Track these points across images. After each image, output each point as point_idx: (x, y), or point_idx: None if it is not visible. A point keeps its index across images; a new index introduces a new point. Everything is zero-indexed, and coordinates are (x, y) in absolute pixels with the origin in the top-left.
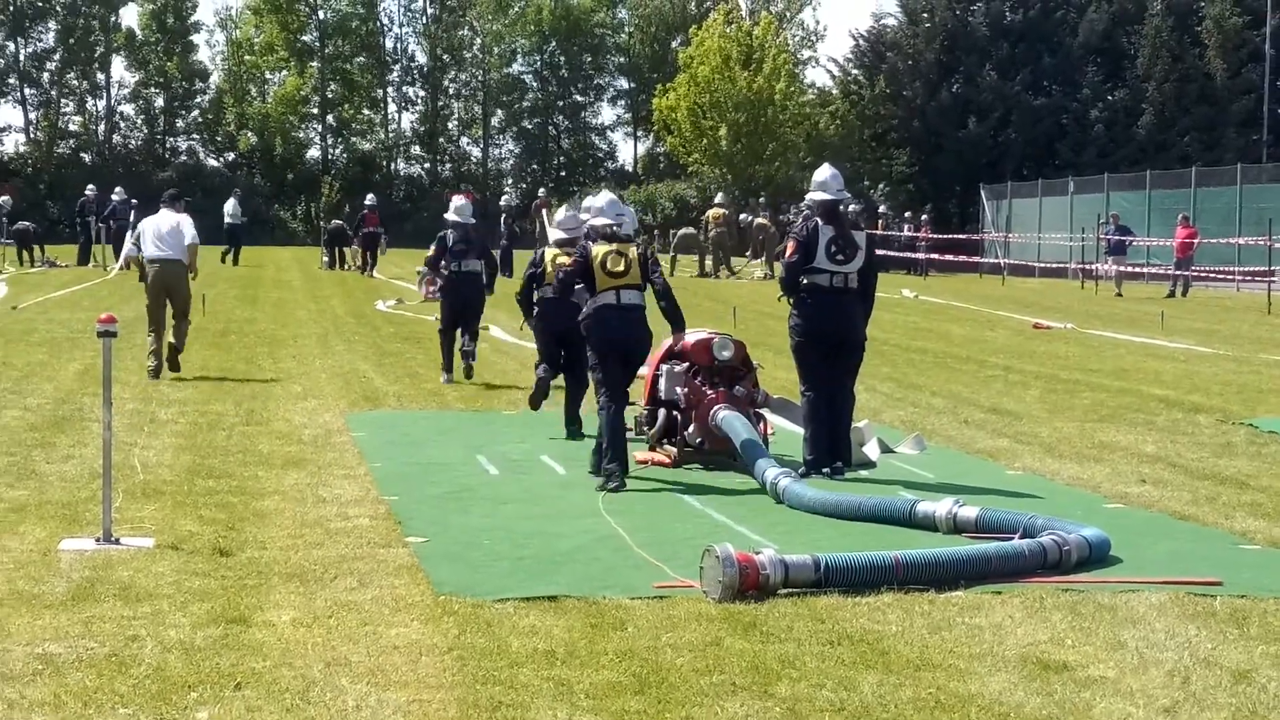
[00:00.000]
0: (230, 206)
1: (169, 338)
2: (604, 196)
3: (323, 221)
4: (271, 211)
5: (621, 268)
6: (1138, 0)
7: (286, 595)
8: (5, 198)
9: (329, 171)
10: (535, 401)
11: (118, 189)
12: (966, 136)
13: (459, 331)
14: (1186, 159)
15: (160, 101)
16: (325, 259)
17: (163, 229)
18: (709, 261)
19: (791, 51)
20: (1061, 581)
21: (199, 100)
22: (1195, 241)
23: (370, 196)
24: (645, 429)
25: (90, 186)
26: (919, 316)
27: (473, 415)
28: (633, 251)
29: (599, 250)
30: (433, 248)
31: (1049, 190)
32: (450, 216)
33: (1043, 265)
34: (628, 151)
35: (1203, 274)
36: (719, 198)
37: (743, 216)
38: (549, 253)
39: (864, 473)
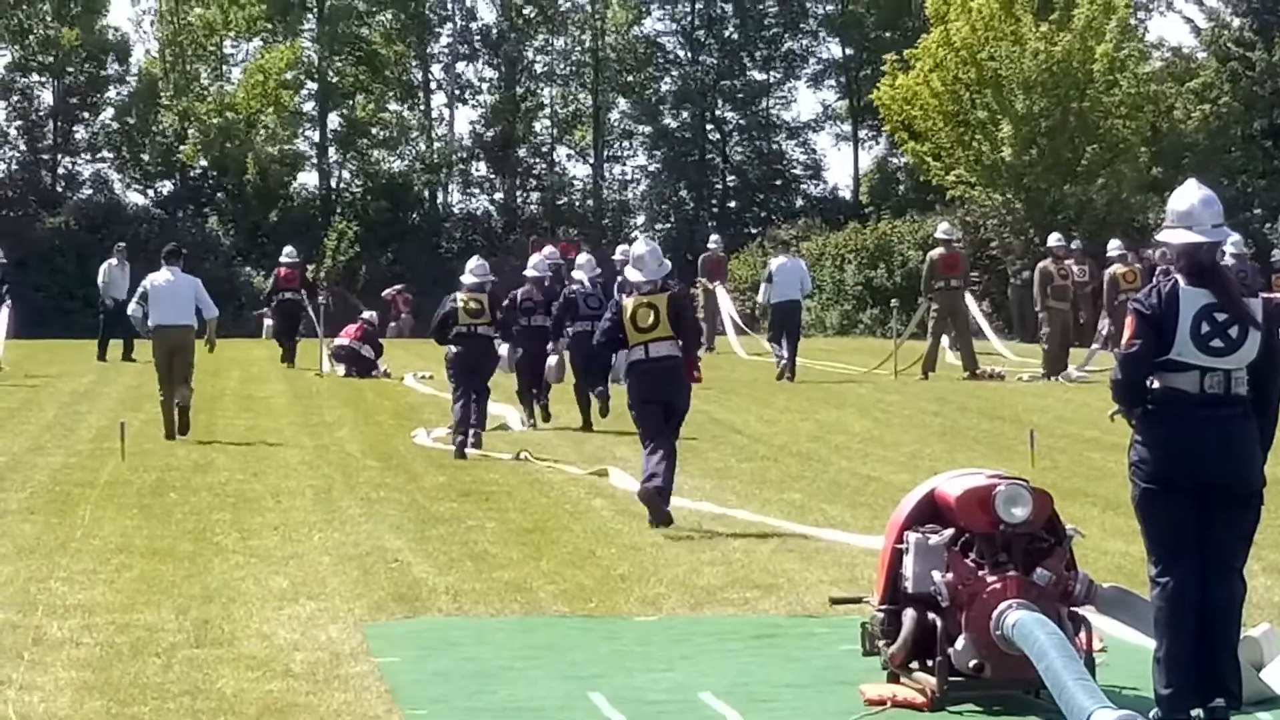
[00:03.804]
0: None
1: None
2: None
3: (275, 297)
4: (240, 279)
5: (476, 306)
6: None
7: None
8: None
9: (333, 210)
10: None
11: None
12: None
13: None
14: None
15: (48, 97)
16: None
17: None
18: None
19: None
20: None
21: (114, 94)
22: None
23: (289, 250)
24: (881, 644)
25: None
26: None
27: (581, 624)
28: (483, 300)
29: (462, 297)
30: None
31: None
32: (466, 279)
33: None
34: (843, 165)
35: None
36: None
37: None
38: (461, 296)
39: (1265, 715)
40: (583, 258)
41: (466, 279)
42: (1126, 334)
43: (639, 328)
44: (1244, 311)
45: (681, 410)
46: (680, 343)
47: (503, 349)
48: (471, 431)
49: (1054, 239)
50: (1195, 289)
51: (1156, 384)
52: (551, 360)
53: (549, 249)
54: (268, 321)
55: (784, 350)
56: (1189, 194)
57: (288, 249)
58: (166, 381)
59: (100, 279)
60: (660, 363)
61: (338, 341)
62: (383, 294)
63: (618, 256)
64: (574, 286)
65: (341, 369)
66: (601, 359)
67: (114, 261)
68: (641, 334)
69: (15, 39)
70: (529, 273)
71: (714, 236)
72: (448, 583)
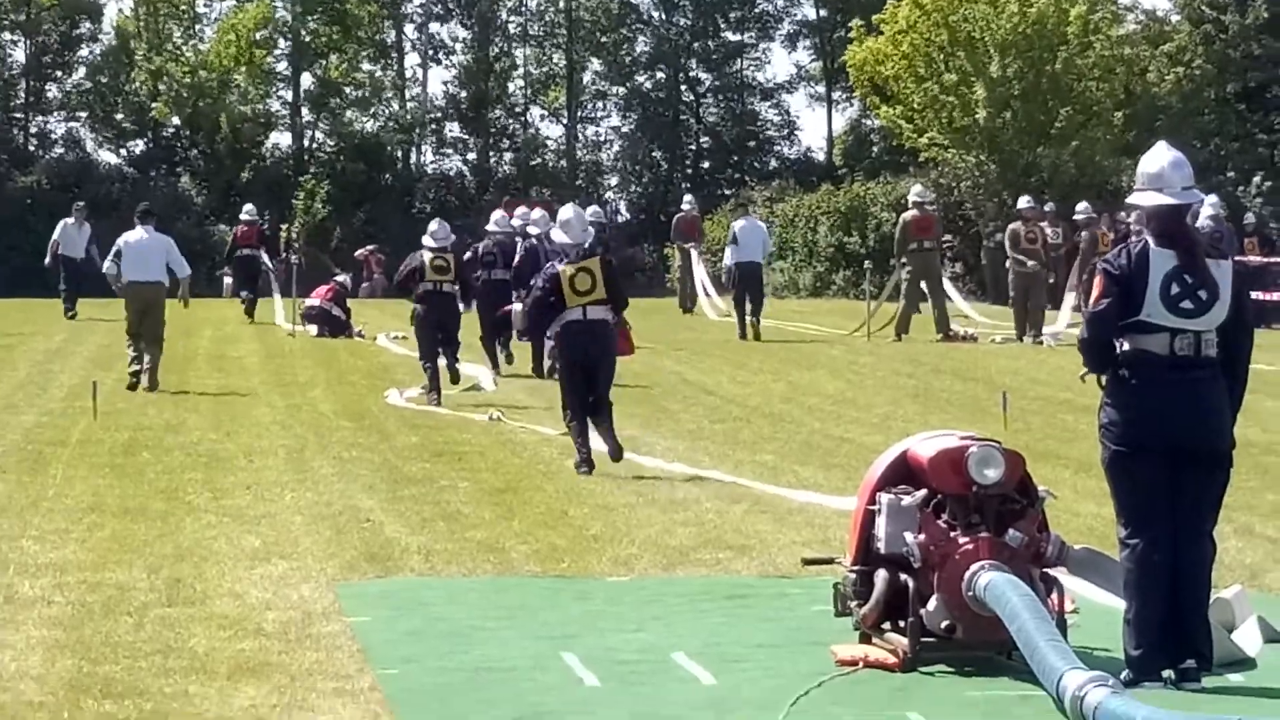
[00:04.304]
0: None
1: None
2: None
3: (233, 254)
4: (213, 238)
5: (444, 264)
6: None
7: None
8: None
9: (306, 170)
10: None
11: None
12: None
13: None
14: None
15: (21, 55)
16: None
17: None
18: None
19: None
20: None
21: (87, 53)
22: None
23: (249, 208)
24: (854, 605)
25: None
26: None
27: (553, 584)
28: (454, 261)
29: (429, 256)
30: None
31: None
32: (429, 241)
33: None
34: (816, 127)
35: None
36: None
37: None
38: (428, 256)
39: (1236, 676)
40: (536, 213)
41: (428, 241)
42: (1095, 293)
43: (577, 291)
44: (1208, 275)
45: (608, 370)
46: (613, 306)
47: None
48: (446, 367)
49: (1024, 201)
50: (1165, 250)
51: (1126, 345)
52: (517, 307)
53: (522, 209)
54: (227, 280)
55: (747, 311)
56: (1159, 156)
57: (248, 207)
58: (135, 334)
59: (55, 235)
60: (593, 325)
61: (309, 302)
62: (355, 254)
63: (589, 218)
64: (532, 241)
65: (313, 329)
66: (538, 323)
67: (70, 220)
68: (580, 297)
69: None
70: (490, 228)
71: (688, 197)
72: (420, 542)
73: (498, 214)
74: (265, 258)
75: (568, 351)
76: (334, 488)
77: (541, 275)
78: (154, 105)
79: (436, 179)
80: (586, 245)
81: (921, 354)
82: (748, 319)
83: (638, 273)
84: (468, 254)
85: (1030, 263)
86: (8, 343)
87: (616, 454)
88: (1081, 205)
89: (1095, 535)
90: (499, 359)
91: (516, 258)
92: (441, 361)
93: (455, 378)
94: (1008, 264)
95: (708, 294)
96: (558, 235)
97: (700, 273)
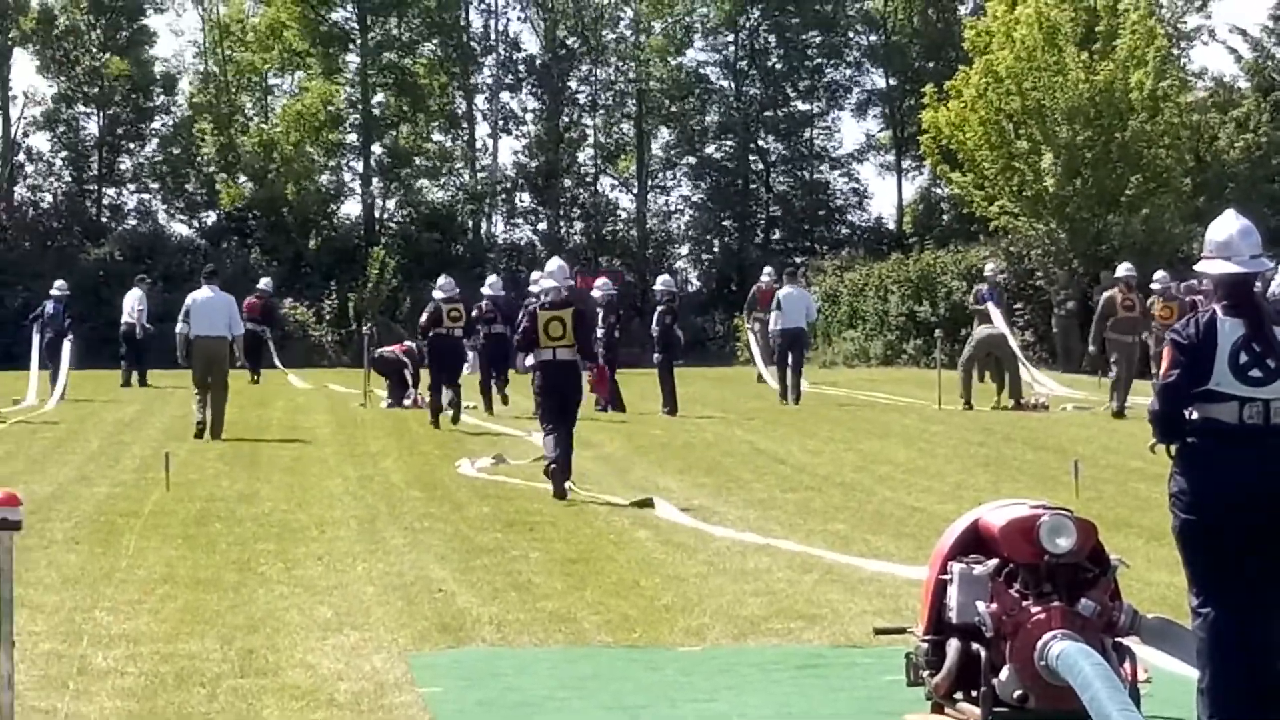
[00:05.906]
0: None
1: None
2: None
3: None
4: (283, 311)
5: (457, 314)
6: None
7: None
8: None
9: (377, 241)
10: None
11: (59, 283)
12: None
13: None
14: None
15: (94, 127)
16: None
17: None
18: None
19: (1165, 20)
20: None
21: (159, 125)
22: None
23: (265, 281)
24: (925, 674)
25: (60, 284)
26: None
27: (625, 654)
28: (461, 309)
29: (444, 306)
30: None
31: None
32: (439, 294)
33: None
34: (887, 194)
35: None
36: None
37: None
38: (444, 306)
39: None
40: (491, 278)
41: (439, 294)
42: (1164, 364)
43: (550, 336)
44: (1275, 343)
45: (575, 401)
46: (579, 349)
47: (469, 353)
48: (449, 404)
49: (1123, 269)
50: (1233, 319)
51: (1195, 414)
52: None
53: (536, 273)
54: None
55: (788, 376)
56: (1227, 224)
57: (264, 280)
58: (202, 386)
59: (137, 305)
60: (562, 365)
61: (382, 349)
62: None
63: (658, 286)
64: (531, 301)
65: (384, 395)
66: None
67: (137, 291)
68: (552, 341)
69: (62, 70)
70: (486, 290)
71: (768, 268)
72: (492, 613)
73: (492, 279)
74: (268, 333)
75: (545, 382)
76: (406, 558)
77: (524, 313)
78: (219, 187)
79: (507, 248)
80: (563, 293)
81: (993, 422)
82: (789, 382)
83: (707, 343)
84: (474, 310)
85: (1129, 338)
86: (80, 414)
87: (561, 493)
88: (1159, 274)
89: (1168, 604)
90: (493, 401)
91: (521, 315)
92: (447, 397)
93: (456, 418)
94: (1107, 332)
95: (755, 363)
96: (546, 282)
97: (756, 343)
